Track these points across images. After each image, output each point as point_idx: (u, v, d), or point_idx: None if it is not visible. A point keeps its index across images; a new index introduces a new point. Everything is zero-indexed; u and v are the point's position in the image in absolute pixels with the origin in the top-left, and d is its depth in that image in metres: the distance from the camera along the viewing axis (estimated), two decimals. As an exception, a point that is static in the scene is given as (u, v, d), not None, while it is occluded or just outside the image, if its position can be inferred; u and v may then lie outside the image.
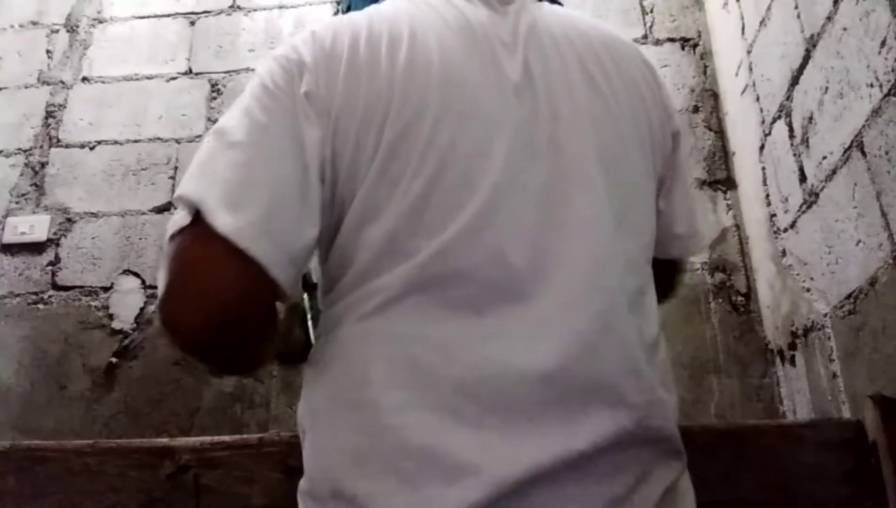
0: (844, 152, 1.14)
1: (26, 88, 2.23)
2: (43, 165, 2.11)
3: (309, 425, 0.61)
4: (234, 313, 0.56)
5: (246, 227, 0.55)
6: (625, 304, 0.61)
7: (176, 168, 2.07)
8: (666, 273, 0.81)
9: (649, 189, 0.72)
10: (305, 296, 0.83)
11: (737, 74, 1.72)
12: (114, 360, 1.86)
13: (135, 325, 1.91)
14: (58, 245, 2.01)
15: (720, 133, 1.86)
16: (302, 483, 0.62)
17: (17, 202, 2.08)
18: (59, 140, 2.14)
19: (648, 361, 0.61)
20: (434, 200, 0.60)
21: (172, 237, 0.57)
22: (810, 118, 1.28)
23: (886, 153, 1.00)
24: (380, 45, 0.65)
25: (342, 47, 0.64)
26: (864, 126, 1.07)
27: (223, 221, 0.54)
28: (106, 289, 1.95)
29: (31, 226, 2.03)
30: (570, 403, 0.55)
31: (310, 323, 0.82)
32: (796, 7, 1.32)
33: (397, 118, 0.61)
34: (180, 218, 0.57)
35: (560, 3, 0.82)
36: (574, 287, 0.59)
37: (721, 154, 1.84)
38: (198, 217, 0.55)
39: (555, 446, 0.53)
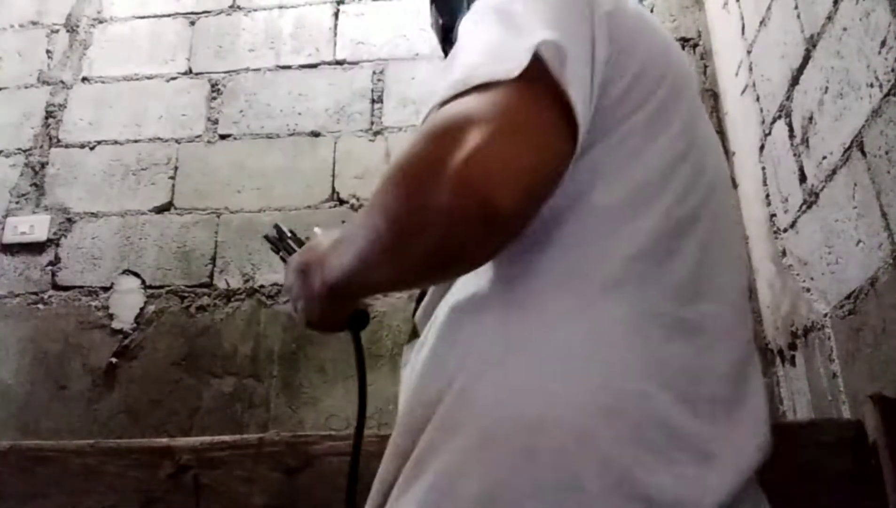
0: (844, 152, 1.14)
1: (26, 88, 2.23)
2: (43, 165, 2.11)
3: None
4: (552, 189, 0.51)
5: (579, 103, 0.50)
6: None
7: (176, 168, 2.07)
8: None
9: None
10: None
11: (737, 74, 1.72)
12: (114, 360, 1.86)
13: (135, 325, 1.91)
14: (58, 245, 2.01)
15: (720, 133, 1.86)
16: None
17: (17, 202, 2.08)
18: (59, 140, 2.14)
19: None
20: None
21: (478, 89, 0.49)
22: (810, 118, 1.28)
23: (886, 153, 1.00)
24: (647, 21, 0.66)
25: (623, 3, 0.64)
26: (864, 126, 1.07)
27: (569, 83, 0.50)
28: (106, 289, 1.95)
29: (31, 226, 2.03)
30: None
31: None
32: (796, 7, 1.31)
33: (671, 87, 0.62)
34: (492, 70, 0.50)
35: None
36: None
37: (721, 154, 1.84)
38: (529, 74, 0.49)
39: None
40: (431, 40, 2.09)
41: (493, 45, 0.53)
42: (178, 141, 2.10)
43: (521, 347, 0.52)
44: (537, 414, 0.49)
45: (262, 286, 1.90)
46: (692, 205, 0.59)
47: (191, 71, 2.19)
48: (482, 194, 0.45)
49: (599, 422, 0.49)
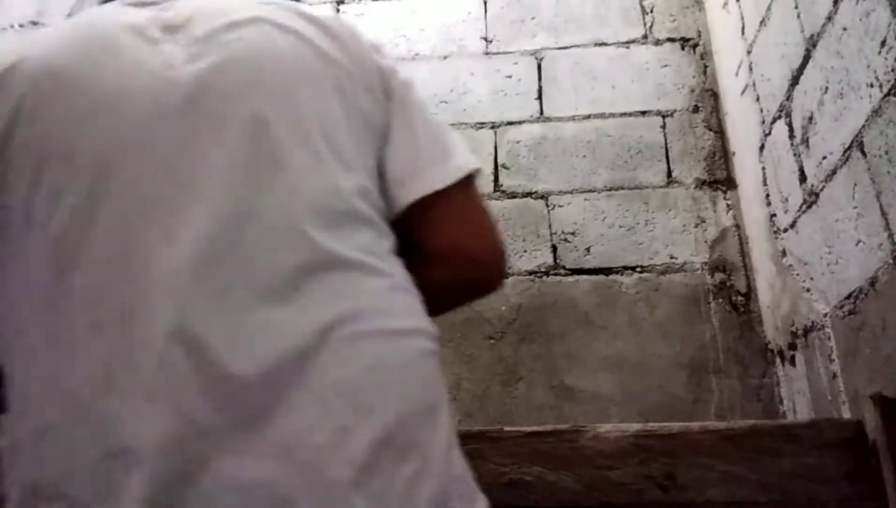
0: (844, 152, 1.14)
1: (26, 88, 2.23)
2: (43, 165, 2.11)
3: None
4: None
5: None
6: None
7: (176, 168, 2.07)
8: None
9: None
10: None
11: (737, 74, 1.72)
12: (114, 360, 1.86)
13: (135, 325, 1.90)
14: (58, 245, 2.01)
15: (720, 133, 1.86)
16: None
17: (17, 202, 2.08)
18: (59, 140, 2.14)
19: None
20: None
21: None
22: (810, 118, 1.28)
23: (886, 153, 1.00)
24: None
25: None
26: (864, 126, 1.07)
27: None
28: (106, 289, 1.95)
29: (31, 226, 2.02)
30: None
31: None
32: (796, 7, 1.32)
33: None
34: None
35: None
36: None
37: (721, 154, 1.84)
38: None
39: None
40: (431, 40, 2.10)
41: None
42: (178, 141, 2.10)
43: None
44: None
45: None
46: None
47: (191, 71, 2.19)
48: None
49: None
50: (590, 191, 1.85)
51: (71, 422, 0.53)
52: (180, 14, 0.66)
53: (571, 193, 1.85)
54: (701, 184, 1.82)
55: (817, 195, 1.28)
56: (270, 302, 0.55)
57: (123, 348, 0.53)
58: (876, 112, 1.02)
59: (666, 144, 1.86)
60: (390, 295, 0.61)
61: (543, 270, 1.79)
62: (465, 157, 0.72)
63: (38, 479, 0.53)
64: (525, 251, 1.81)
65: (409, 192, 0.68)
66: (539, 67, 2.01)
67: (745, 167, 1.72)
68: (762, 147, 1.57)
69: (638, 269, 1.76)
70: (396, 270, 0.64)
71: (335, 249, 0.59)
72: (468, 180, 0.71)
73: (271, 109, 0.62)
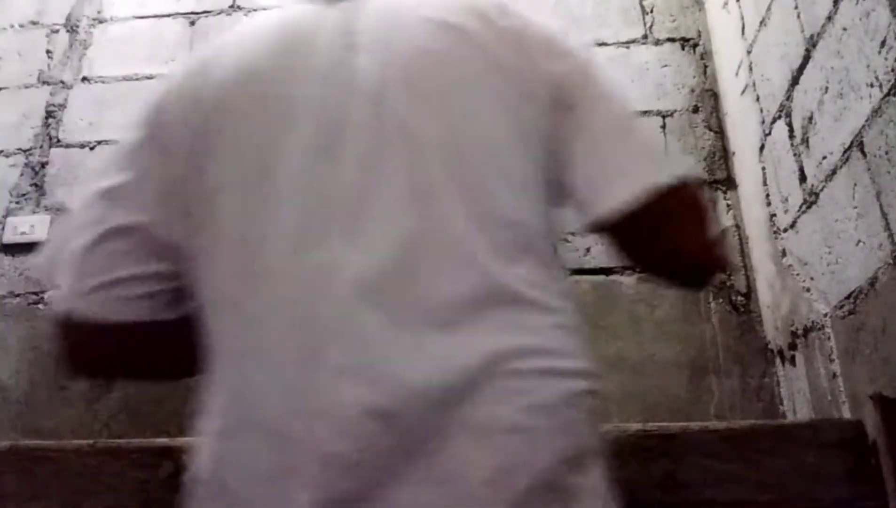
0: (844, 152, 1.14)
1: (26, 88, 2.23)
2: (43, 165, 2.11)
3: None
4: None
5: None
6: None
7: (176, 168, 2.07)
8: None
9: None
10: None
11: (737, 74, 1.72)
12: (114, 360, 1.86)
13: (135, 325, 1.90)
14: (58, 245, 2.01)
15: (720, 133, 1.86)
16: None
17: (17, 202, 2.08)
18: (59, 140, 2.14)
19: None
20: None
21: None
22: (810, 118, 1.28)
23: (886, 153, 1.00)
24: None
25: None
26: (864, 126, 1.07)
27: None
28: (106, 289, 1.95)
29: (31, 226, 2.02)
30: None
31: None
32: (796, 7, 1.31)
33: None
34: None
35: None
36: None
37: (721, 154, 1.84)
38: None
39: None
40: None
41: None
42: (178, 141, 2.10)
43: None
44: None
45: (262, 286, 1.90)
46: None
47: (191, 71, 2.19)
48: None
49: None
50: (590, 191, 1.84)
51: (251, 431, 0.55)
52: (363, 17, 0.68)
53: (571, 193, 1.85)
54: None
55: (817, 195, 1.28)
56: (440, 330, 0.55)
57: (304, 365, 0.54)
58: (876, 112, 1.02)
59: (666, 143, 1.86)
60: (555, 333, 0.60)
61: (543, 270, 1.79)
62: (665, 163, 0.67)
63: (217, 476, 0.56)
64: (525, 251, 1.81)
65: (606, 205, 0.63)
66: (539, 67, 2.00)
67: (745, 167, 1.72)
68: (762, 147, 1.57)
69: (638, 269, 1.76)
70: (564, 304, 0.62)
71: (506, 282, 0.58)
72: (680, 185, 0.65)
73: (449, 132, 0.61)
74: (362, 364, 0.53)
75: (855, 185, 1.11)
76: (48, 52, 2.27)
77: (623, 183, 0.62)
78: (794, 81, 1.35)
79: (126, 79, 2.20)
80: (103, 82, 2.21)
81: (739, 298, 1.70)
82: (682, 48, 1.97)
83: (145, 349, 0.69)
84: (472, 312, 0.56)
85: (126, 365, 0.72)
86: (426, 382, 0.53)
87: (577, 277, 1.76)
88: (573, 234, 1.80)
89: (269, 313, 0.57)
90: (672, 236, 0.65)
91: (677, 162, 0.68)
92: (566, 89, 0.66)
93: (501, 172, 0.62)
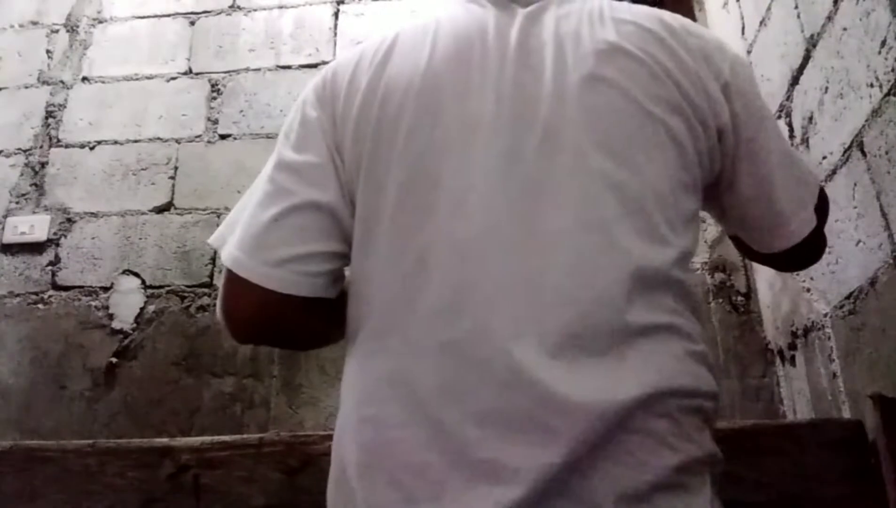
0: (844, 152, 1.14)
1: (26, 88, 2.23)
2: (43, 165, 2.11)
3: None
4: None
5: None
6: None
7: (176, 168, 2.07)
8: None
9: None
10: None
11: (737, 74, 1.72)
12: (114, 360, 1.87)
13: (135, 325, 1.91)
14: (58, 245, 2.01)
15: (720, 133, 1.86)
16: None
17: (17, 202, 2.08)
18: (59, 140, 2.14)
19: None
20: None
21: None
22: (810, 118, 1.28)
23: (886, 153, 1.00)
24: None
25: None
26: (864, 126, 1.07)
27: None
28: (106, 289, 1.95)
29: (31, 226, 2.03)
30: None
31: None
32: (796, 7, 1.31)
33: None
34: None
35: None
36: None
37: (721, 154, 1.84)
38: None
39: None
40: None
41: None
42: (178, 141, 2.10)
43: (343, 388, 0.67)
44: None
45: (262, 286, 1.90)
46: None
47: (191, 71, 2.19)
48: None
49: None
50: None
51: (411, 421, 0.57)
52: (543, 31, 0.69)
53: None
54: (701, 184, 1.82)
55: (817, 195, 1.28)
56: (590, 359, 0.56)
57: (468, 366, 0.57)
58: (876, 112, 1.02)
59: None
60: (688, 365, 0.61)
61: (543, 270, 1.79)
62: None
63: (363, 459, 0.59)
64: (525, 251, 1.81)
65: (790, 241, 0.76)
66: (539, 66, 2.01)
67: (745, 167, 1.72)
68: (762, 147, 1.57)
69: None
70: (694, 329, 0.63)
71: (649, 318, 0.59)
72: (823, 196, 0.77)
73: (613, 167, 0.62)
74: (522, 376, 0.56)
75: (855, 185, 1.11)
76: (48, 52, 2.27)
77: (803, 214, 0.75)
78: (794, 80, 1.35)
79: (126, 79, 2.20)
80: (103, 82, 2.21)
81: (739, 298, 1.70)
82: (682, 48, 1.97)
83: (305, 323, 0.71)
84: (618, 346, 0.58)
85: (284, 335, 0.74)
86: (580, 407, 0.55)
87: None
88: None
89: (433, 326, 0.59)
90: (814, 243, 0.79)
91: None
92: (741, 119, 0.70)
93: (666, 217, 0.63)
